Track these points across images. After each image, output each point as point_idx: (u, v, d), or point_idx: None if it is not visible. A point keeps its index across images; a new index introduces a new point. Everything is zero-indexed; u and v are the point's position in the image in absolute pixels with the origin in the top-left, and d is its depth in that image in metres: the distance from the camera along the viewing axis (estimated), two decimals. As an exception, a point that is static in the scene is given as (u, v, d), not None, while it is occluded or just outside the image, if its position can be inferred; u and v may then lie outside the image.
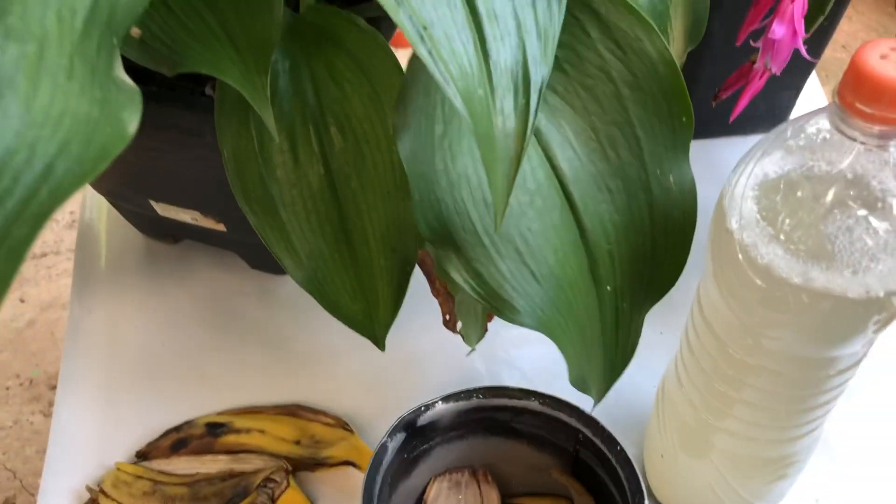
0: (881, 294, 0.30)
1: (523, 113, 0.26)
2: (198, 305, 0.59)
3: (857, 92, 0.28)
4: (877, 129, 0.29)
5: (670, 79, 0.35)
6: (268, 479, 0.49)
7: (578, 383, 0.36)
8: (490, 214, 0.32)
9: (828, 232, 0.31)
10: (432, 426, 0.41)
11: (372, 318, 0.39)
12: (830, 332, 0.33)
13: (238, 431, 0.51)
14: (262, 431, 0.51)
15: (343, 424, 0.52)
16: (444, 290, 0.45)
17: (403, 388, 0.55)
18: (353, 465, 0.50)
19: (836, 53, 1.91)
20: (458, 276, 0.32)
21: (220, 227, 0.55)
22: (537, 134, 0.34)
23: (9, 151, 0.19)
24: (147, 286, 0.60)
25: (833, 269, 0.30)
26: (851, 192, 0.30)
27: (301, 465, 0.50)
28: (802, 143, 0.32)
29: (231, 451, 0.50)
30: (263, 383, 0.54)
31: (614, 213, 0.35)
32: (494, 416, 0.43)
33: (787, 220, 0.32)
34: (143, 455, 0.50)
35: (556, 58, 0.35)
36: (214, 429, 0.51)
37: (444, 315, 0.47)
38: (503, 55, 0.26)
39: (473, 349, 0.47)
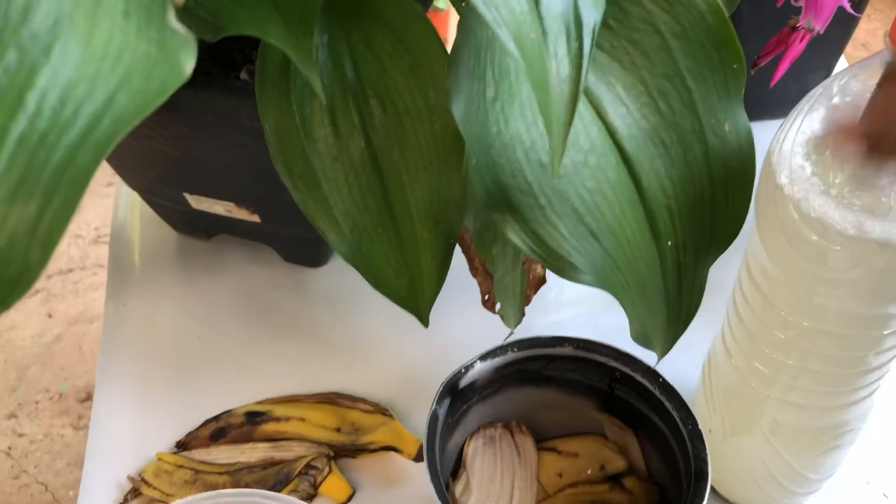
0: None
1: (577, 57, 0.25)
2: (232, 299, 0.58)
3: None
4: None
5: (719, 27, 0.35)
6: (309, 466, 0.48)
7: (641, 339, 0.36)
8: (545, 175, 0.31)
9: (881, 182, 0.30)
10: (471, 386, 0.41)
11: (416, 293, 0.39)
12: (886, 286, 0.32)
13: (278, 420, 0.50)
14: (301, 419, 0.50)
15: (382, 410, 0.51)
16: (482, 269, 0.45)
17: (442, 374, 0.54)
18: (395, 449, 0.49)
19: (857, 52, 1.90)
20: (518, 237, 0.31)
21: (255, 219, 0.55)
22: (587, 93, 0.34)
23: (70, 83, 0.18)
24: (181, 282, 0.59)
25: (889, 219, 0.30)
26: None
27: (342, 452, 0.49)
28: (851, 95, 0.31)
29: (271, 439, 0.49)
30: (301, 374, 0.54)
31: (671, 166, 0.34)
32: (526, 367, 0.42)
33: (839, 173, 0.31)
34: (182, 445, 0.50)
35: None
36: (254, 417, 0.50)
37: (482, 295, 0.46)
38: (554, 0, 0.25)
39: (513, 331, 0.47)
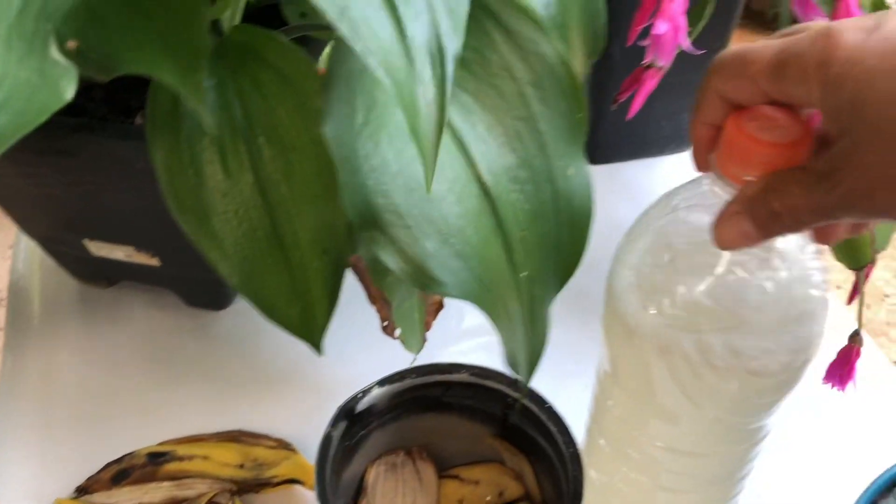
0: (781, 362, 0.31)
1: (441, 81, 0.28)
2: (135, 345, 0.59)
3: (732, 159, 0.29)
4: None
5: (567, 78, 0.38)
6: (212, 503, 0.49)
7: (511, 360, 0.38)
8: (412, 198, 0.34)
9: (717, 298, 0.31)
10: (369, 411, 0.43)
11: (308, 321, 0.41)
12: (739, 403, 0.33)
13: (181, 459, 0.51)
14: (204, 457, 0.51)
15: (286, 445, 0.52)
16: (380, 296, 0.47)
17: (344, 407, 0.56)
18: (298, 482, 0.50)
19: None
20: (385, 255, 0.33)
21: (155, 262, 0.56)
22: (453, 129, 0.37)
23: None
24: (83, 329, 0.60)
25: (727, 336, 0.31)
26: (740, 260, 0.31)
27: (246, 488, 0.50)
28: (685, 214, 0.33)
29: (174, 478, 0.50)
30: (205, 414, 0.55)
31: (525, 201, 0.37)
32: (426, 394, 0.44)
33: (676, 289, 0.32)
34: (83, 489, 0.50)
35: (466, 60, 0.38)
36: (156, 458, 0.51)
37: (381, 321, 0.48)
38: (418, 31, 0.28)
39: (416, 357, 0.49)
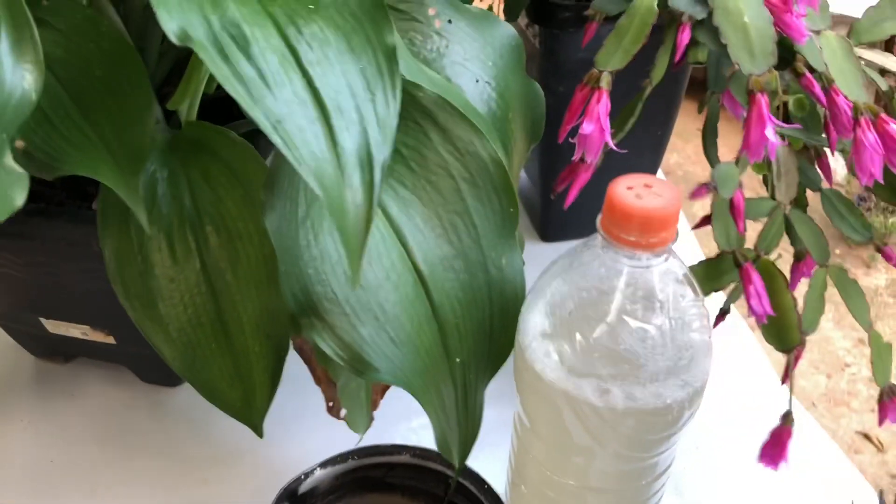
0: (675, 399, 0.33)
1: (369, 186, 0.30)
2: (88, 421, 0.59)
3: (612, 221, 0.32)
4: (636, 252, 0.32)
5: (500, 176, 0.41)
6: (157, 583, 0.49)
7: (443, 445, 0.39)
8: (350, 286, 0.35)
9: (613, 349, 0.33)
10: (312, 493, 0.43)
11: (249, 404, 0.42)
12: (634, 443, 0.35)
13: (127, 538, 0.51)
14: (152, 537, 0.51)
15: (233, 524, 0.53)
16: (325, 378, 0.48)
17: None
18: (244, 561, 0.50)
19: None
20: (322, 341, 0.35)
21: (110, 340, 0.57)
22: (390, 220, 0.39)
23: None
24: (36, 405, 0.60)
25: (622, 382, 0.33)
26: (628, 311, 0.33)
27: (191, 568, 0.50)
28: (582, 268, 0.35)
29: (120, 558, 0.50)
30: (157, 492, 0.55)
31: (459, 290, 0.39)
32: (369, 475, 0.45)
33: (574, 340, 0.34)
34: (29, 570, 0.50)
35: (404, 156, 0.40)
36: (103, 537, 0.51)
37: (327, 402, 0.49)
38: (349, 141, 0.30)
39: (362, 437, 0.50)
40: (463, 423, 0.41)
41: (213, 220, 0.41)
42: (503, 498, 0.43)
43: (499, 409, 0.52)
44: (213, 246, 0.41)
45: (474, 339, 0.40)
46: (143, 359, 0.60)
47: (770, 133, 0.41)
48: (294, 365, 0.48)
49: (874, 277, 2.06)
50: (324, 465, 0.44)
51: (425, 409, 0.38)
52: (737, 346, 0.69)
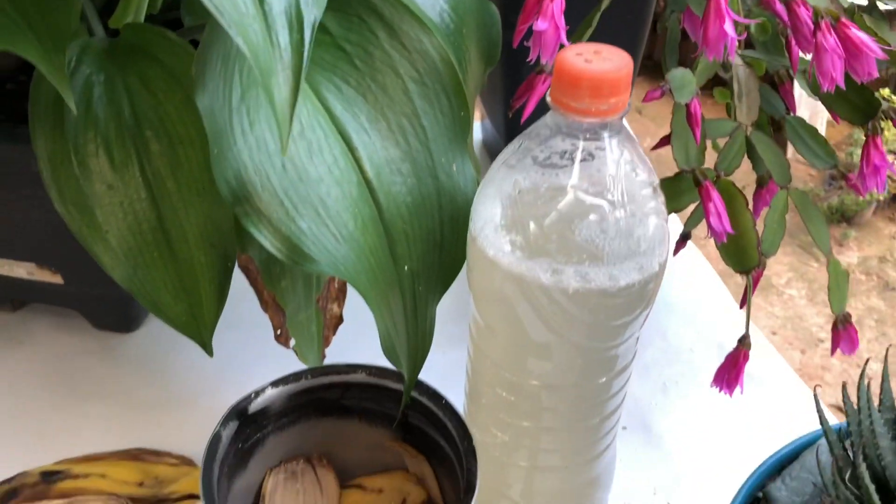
0: (630, 280, 0.32)
1: (298, 46, 0.29)
2: (37, 368, 0.57)
3: (561, 89, 0.31)
4: (587, 120, 0.31)
5: (450, 77, 0.39)
6: (107, 521, 0.47)
7: (390, 352, 0.38)
8: (288, 177, 0.34)
9: (567, 229, 0.32)
10: (264, 413, 0.42)
11: (196, 318, 0.40)
12: (595, 328, 0.34)
13: (76, 477, 0.49)
14: (102, 475, 0.49)
15: (188, 461, 0.51)
16: (273, 303, 0.47)
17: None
18: (198, 497, 0.49)
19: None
20: (258, 232, 0.33)
21: (58, 279, 0.55)
22: (333, 118, 0.37)
23: None
24: (-17, 353, 0.58)
25: (576, 264, 0.32)
26: (580, 189, 0.32)
27: (143, 505, 0.49)
28: (534, 150, 0.34)
29: (68, 496, 0.48)
30: (106, 435, 0.53)
31: (407, 194, 0.38)
32: (324, 397, 0.43)
33: (527, 223, 0.33)
34: (-30, 510, 0.48)
35: (348, 53, 0.39)
36: (50, 476, 0.49)
37: (274, 329, 0.48)
38: (276, 1, 0.29)
39: (313, 369, 0.48)
40: (412, 336, 0.39)
41: (153, 125, 0.39)
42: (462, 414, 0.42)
43: (460, 352, 0.51)
44: (154, 152, 0.39)
45: (423, 248, 0.39)
46: (93, 301, 0.58)
47: (729, 27, 0.40)
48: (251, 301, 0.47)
49: (846, 256, 2.07)
50: (275, 383, 0.42)
51: (371, 309, 0.36)
52: (697, 277, 0.68)
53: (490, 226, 0.33)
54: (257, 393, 0.42)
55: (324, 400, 0.44)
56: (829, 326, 0.51)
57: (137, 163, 0.39)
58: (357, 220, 0.36)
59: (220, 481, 0.40)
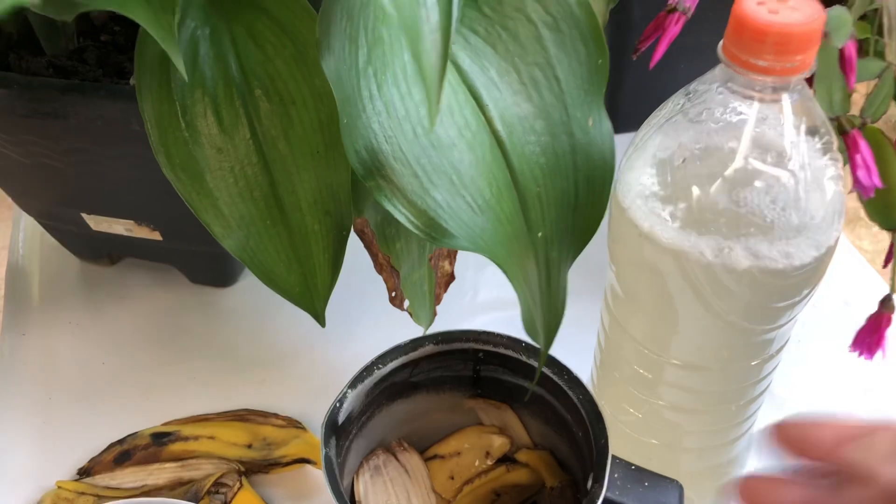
0: (805, 260, 0.29)
1: (446, 5, 0.26)
2: (138, 324, 0.57)
3: (740, 44, 0.27)
4: (769, 80, 0.27)
5: (586, 20, 0.35)
6: (219, 484, 0.46)
7: (529, 325, 0.35)
8: (420, 145, 0.31)
9: (736, 201, 0.29)
10: (349, 419, 0.39)
11: (310, 289, 0.38)
12: (751, 309, 0.31)
13: (186, 439, 0.49)
14: (211, 437, 0.49)
15: (295, 424, 0.50)
16: (387, 265, 0.44)
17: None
18: (309, 461, 0.48)
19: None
20: (392, 206, 0.31)
21: (156, 236, 0.53)
22: (461, 73, 0.34)
23: None
24: (84, 309, 0.58)
25: (745, 239, 0.29)
26: (754, 156, 0.29)
27: (254, 468, 0.48)
28: (696, 111, 0.30)
29: (179, 459, 0.48)
30: (211, 394, 0.52)
31: (540, 154, 0.34)
32: (394, 381, 0.41)
33: (690, 194, 0.30)
34: (85, 472, 0.48)
35: (476, 0, 0.35)
36: (160, 438, 0.48)
37: (389, 292, 0.46)
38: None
39: (425, 332, 0.46)
40: (546, 305, 0.37)
41: (262, 83, 0.37)
42: (589, 386, 0.39)
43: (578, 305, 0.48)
44: (264, 112, 0.37)
45: (557, 212, 0.36)
46: (191, 257, 0.57)
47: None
48: (353, 254, 0.45)
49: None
50: (352, 384, 0.40)
51: (512, 283, 0.34)
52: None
53: (643, 196, 0.30)
54: (340, 401, 0.39)
55: (395, 384, 0.42)
56: None
57: (248, 124, 0.37)
58: (492, 186, 0.33)
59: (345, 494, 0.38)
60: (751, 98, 0.28)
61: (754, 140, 0.28)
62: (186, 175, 0.36)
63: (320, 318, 0.39)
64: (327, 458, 0.37)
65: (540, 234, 0.35)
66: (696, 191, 0.29)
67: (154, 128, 0.36)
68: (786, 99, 0.28)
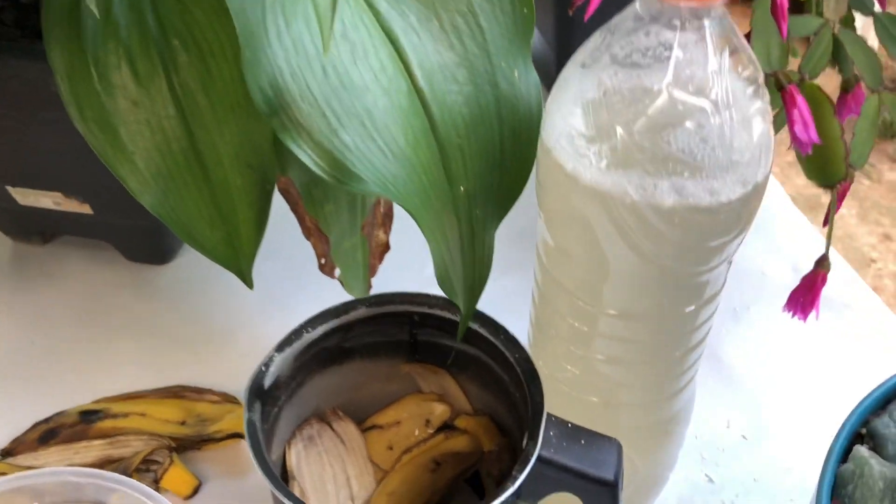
0: (732, 196, 0.28)
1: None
2: (71, 303, 0.55)
3: None
4: (685, 6, 0.26)
5: (511, -33, 0.34)
6: (149, 461, 0.45)
7: (445, 281, 0.34)
8: (330, 85, 0.30)
9: (661, 138, 0.28)
10: (276, 384, 0.38)
11: (234, 248, 0.37)
12: (683, 250, 0.30)
13: (115, 416, 0.47)
14: (142, 415, 0.47)
15: (231, 399, 0.48)
16: (315, 229, 0.43)
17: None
18: (242, 436, 0.46)
19: None
20: (296, 146, 0.30)
21: (86, 209, 0.52)
22: (378, 16, 0.33)
23: None
24: (14, 288, 0.56)
25: (670, 176, 0.28)
26: (677, 89, 0.28)
27: (187, 445, 0.46)
28: (618, 46, 0.29)
29: (108, 436, 0.46)
30: (145, 372, 0.51)
31: (462, 105, 0.33)
32: (325, 346, 0.40)
33: (614, 133, 0.29)
34: (7, 452, 0.46)
35: (397, -58, 0.34)
36: (89, 416, 0.47)
37: (318, 259, 0.44)
38: None
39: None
40: (469, 265, 0.36)
41: (180, 34, 0.35)
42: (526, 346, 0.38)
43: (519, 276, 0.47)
44: (182, 63, 0.35)
45: (481, 166, 0.35)
46: (125, 232, 0.55)
47: None
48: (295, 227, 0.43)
49: (901, 174, 1.99)
50: (280, 347, 0.38)
51: (425, 233, 0.33)
52: (767, 195, 0.64)
53: (568, 136, 0.29)
54: (266, 364, 0.38)
55: (325, 350, 0.41)
56: (882, 246, 0.47)
57: (164, 76, 0.35)
58: (407, 133, 0.32)
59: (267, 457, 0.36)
60: (671, 27, 0.27)
61: (677, 72, 0.27)
62: (99, 128, 0.34)
63: (247, 279, 0.38)
64: (250, 423, 0.36)
65: (462, 189, 0.34)
66: (619, 127, 0.28)
67: (64, 80, 0.34)
68: (707, 27, 0.27)
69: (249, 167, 0.36)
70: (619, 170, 0.28)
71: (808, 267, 0.46)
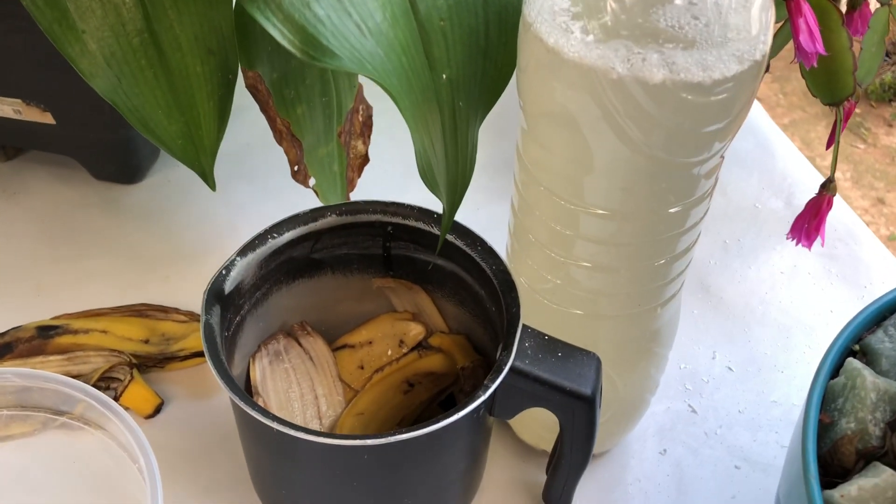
0: (727, 73, 0.25)
1: None
2: (34, 220, 0.53)
3: None
4: None
5: None
6: (109, 378, 0.43)
7: (427, 174, 0.32)
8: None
9: (653, 6, 0.26)
10: (239, 290, 0.36)
11: (194, 142, 0.34)
12: (672, 135, 0.27)
13: (75, 332, 0.45)
14: (103, 332, 0.45)
15: (198, 318, 0.46)
16: (287, 133, 0.41)
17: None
18: (207, 354, 0.44)
19: None
20: (264, 18, 0.27)
21: (48, 119, 0.49)
22: None
23: None
24: (-25, 205, 0.53)
25: (660, 49, 0.25)
26: None
27: (150, 363, 0.44)
28: None
29: (66, 351, 0.44)
30: (110, 291, 0.49)
31: None
32: (292, 255, 0.38)
33: (603, 6, 0.26)
34: (-39, 366, 0.44)
35: None
36: (47, 331, 0.45)
37: (291, 166, 0.42)
38: None
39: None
40: (452, 160, 0.33)
41: None
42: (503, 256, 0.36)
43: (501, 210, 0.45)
44: (137, -63, 0.33)
45: (464, 52, 0.33)
46: (91, 147, 0.53)
47: None
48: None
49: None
50: (242, 251, 0.36)
51: (405, 118, 0.30)
52: (758, 125, 0.61)
53: (549, 8, 0.27)
54: (227, 268, 0.36)
55: (293, 259, 0.38)
56: (874, 210, 0.45)
57: (118, -50, 0.32)
58: (386, 9, 0.29)
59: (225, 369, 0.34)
60: None
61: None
62: (46, 4, 0.32)
63: (208, 178, 0.35)
64: (207, 326, 0.34)
65: (445, 77, 0.32)
66: (609, 2, 0.25)
67: (7, -51, 0.31)
68: None
69: (210, 53, 0.33)
70: (605, 42, 0.26)
71: (802, 201, 0.44)
